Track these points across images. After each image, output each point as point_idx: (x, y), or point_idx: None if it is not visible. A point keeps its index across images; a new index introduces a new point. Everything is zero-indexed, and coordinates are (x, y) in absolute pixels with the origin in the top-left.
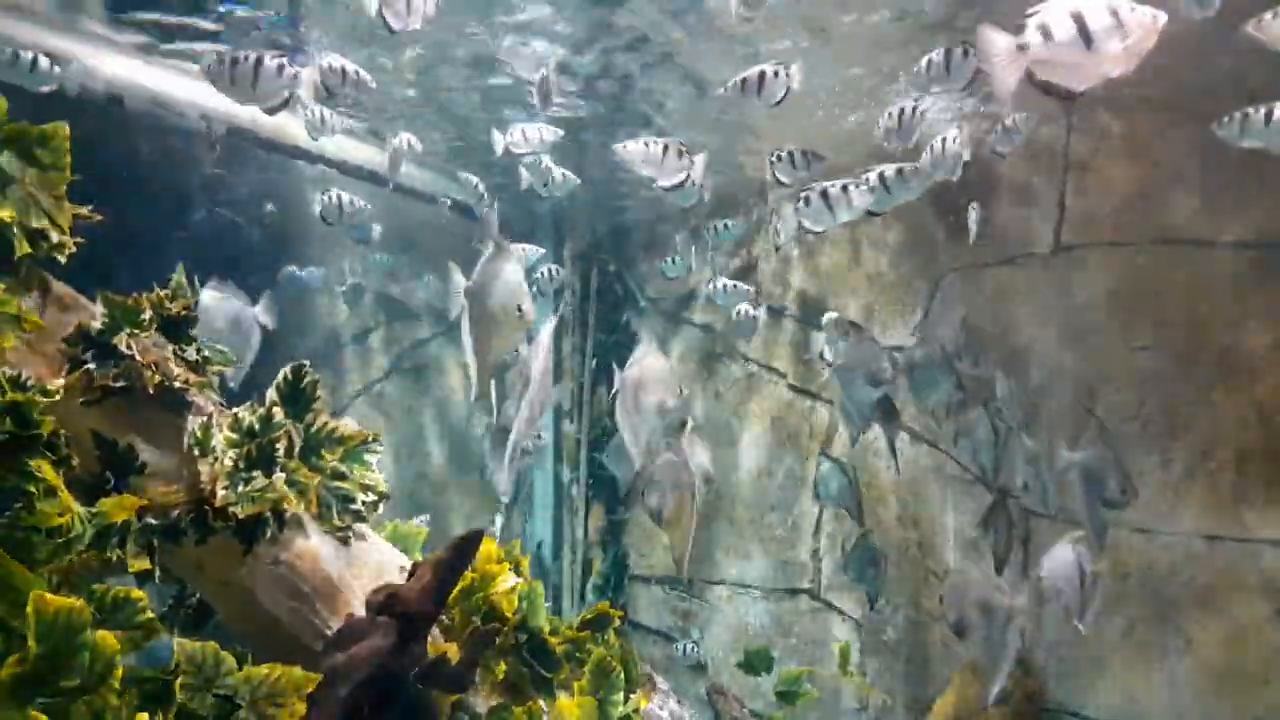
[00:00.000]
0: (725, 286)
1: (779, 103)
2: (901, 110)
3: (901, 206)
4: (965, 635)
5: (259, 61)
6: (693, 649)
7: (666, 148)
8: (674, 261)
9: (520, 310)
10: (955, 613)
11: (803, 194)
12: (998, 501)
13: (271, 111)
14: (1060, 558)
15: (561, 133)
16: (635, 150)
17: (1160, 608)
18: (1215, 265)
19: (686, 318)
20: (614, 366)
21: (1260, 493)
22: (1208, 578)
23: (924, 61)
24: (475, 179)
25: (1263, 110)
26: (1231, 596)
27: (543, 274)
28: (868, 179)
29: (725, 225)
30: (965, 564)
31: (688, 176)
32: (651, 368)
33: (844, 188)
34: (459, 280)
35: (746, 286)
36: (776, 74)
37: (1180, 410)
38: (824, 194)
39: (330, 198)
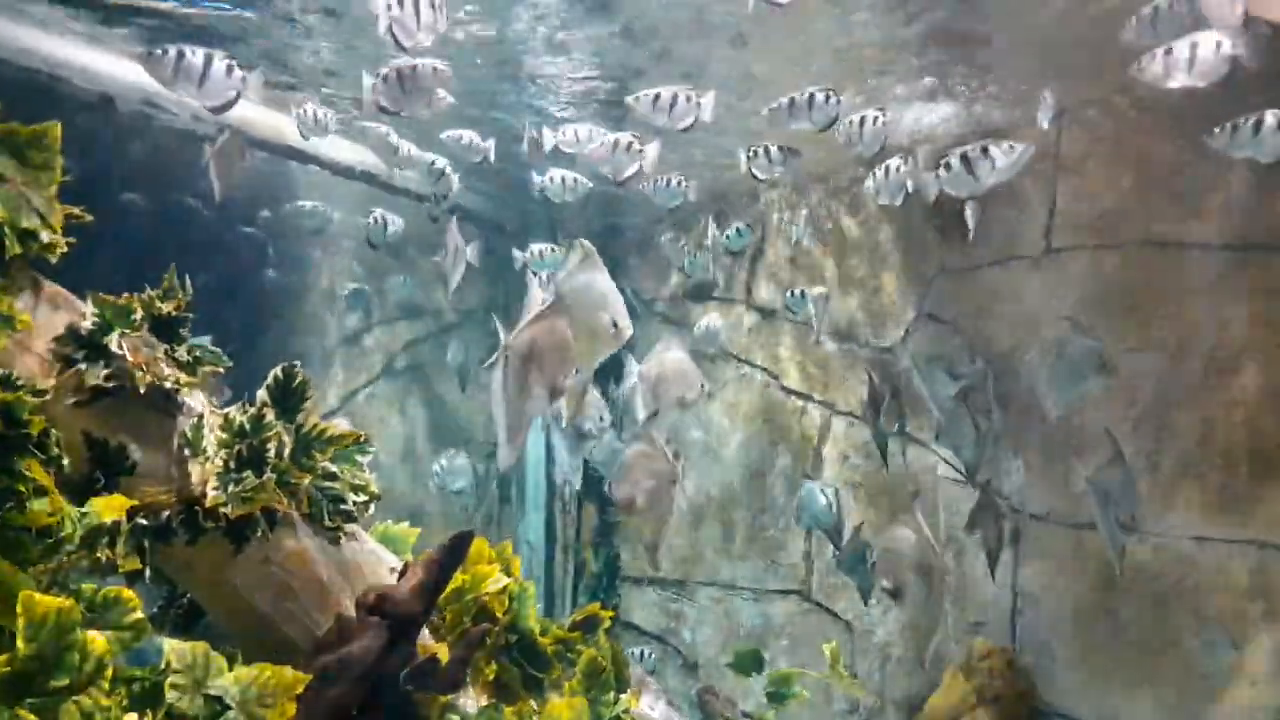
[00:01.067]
0: (801, 292)
1: (687, 129)
2: (863, 119)
3: (891, 209)
4: (901, 598)
5: (209, 60)
6: (649, 655)
7: (617, 142)
8: (692, 260)
9: (615, 326)
10: (891, 576)
11: (942, 160)
12: (983, 500)
13: (216, 111)
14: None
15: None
16: (594, 152)
17: (1149, 609)
18: (1203, 268)
19: (678, 318)
20: (631, 361)
21: (1248, 494)
22: (1197, 579)
23: (785, 100)
24: (432, 157)
25: (1251, 120)
26: (1221, 597)
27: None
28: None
29: (741, 229)
30: (896, 525)
31: (640, 167)
32: (673, 362)
33: (984, 149)
34: (536, 293)
35: (821, 290)
36: (689, 99)
37: (1169, 412)
38: (964, 158)
39: (376, 219)
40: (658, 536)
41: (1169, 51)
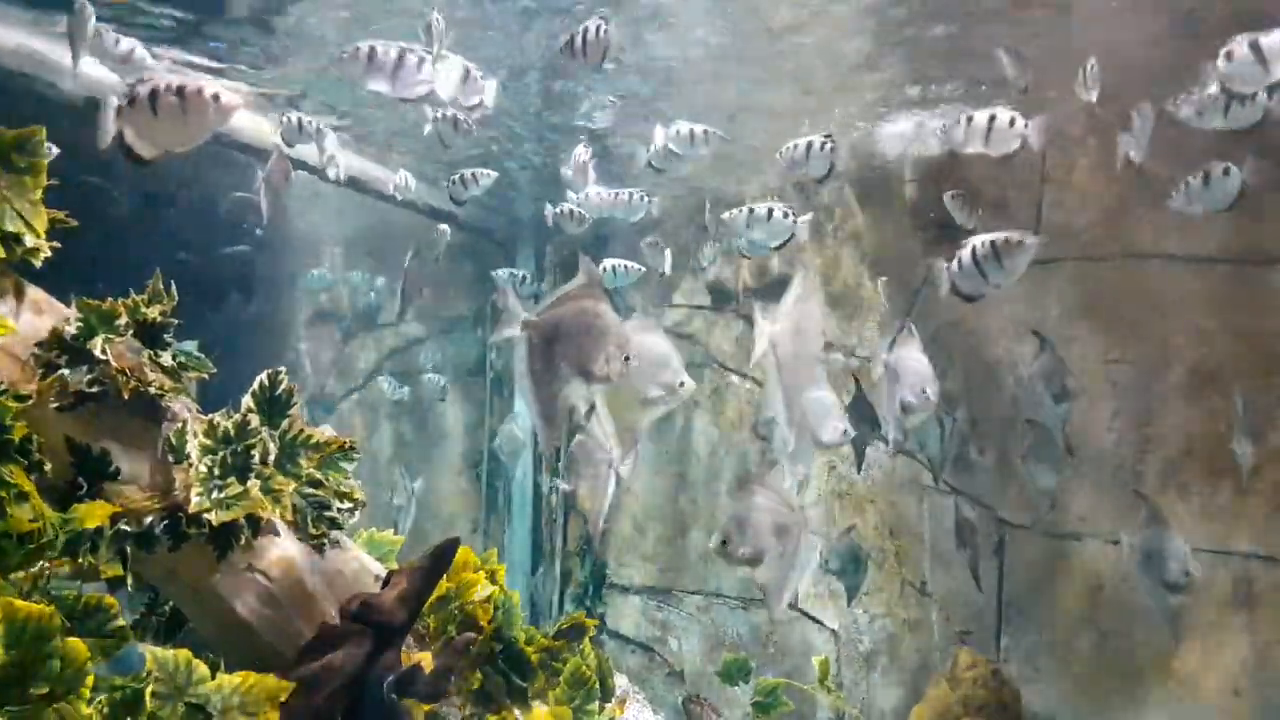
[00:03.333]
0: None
1: (473, 109)
2: (810, 143)
3: (879, 218)
4: (759, 563)
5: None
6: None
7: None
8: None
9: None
10: (749, 546)
11: (1226, 50)
12: (960, 515)
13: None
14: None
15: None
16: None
17: (1133, 618)
18: (1187, 280)
19: (664, 324)
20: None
21: (1231, 505)
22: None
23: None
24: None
25: (1200, 174)
26: (1203, 607)
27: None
28: None
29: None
30: (749, 492)
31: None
32: (805, 313)
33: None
34: (763, 324)
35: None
36: (481, 78)
37: (1152, 423)
38: (1254, 45)
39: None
40: (597, 519)
41: (970, 120)
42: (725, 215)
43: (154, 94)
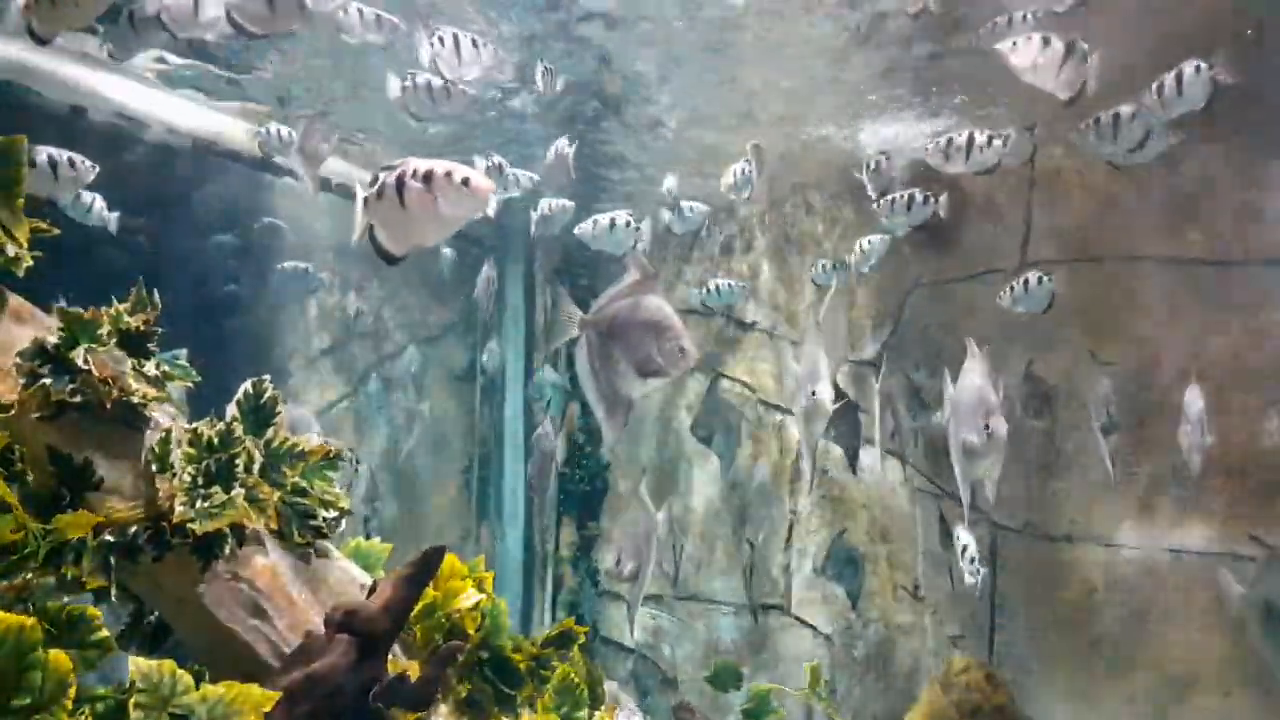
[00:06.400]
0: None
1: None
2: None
3: (869, 222)
4: (638, 576)
5: None
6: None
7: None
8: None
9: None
10: (631, 563)
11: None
12: (941, 512)
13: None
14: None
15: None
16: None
17: (1125, 620)
18: (1179, 281)
19: None
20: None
21: (1221, 507)
22: (1171, 590)
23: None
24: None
25: (1022, 280)
26: (1194, 609)
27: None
28: None
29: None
30: (628, 511)
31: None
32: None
33: None
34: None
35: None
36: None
37: (1144, 425)
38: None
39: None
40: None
41: (876, 163)
42: (577, 230)
43: (400, 182)
